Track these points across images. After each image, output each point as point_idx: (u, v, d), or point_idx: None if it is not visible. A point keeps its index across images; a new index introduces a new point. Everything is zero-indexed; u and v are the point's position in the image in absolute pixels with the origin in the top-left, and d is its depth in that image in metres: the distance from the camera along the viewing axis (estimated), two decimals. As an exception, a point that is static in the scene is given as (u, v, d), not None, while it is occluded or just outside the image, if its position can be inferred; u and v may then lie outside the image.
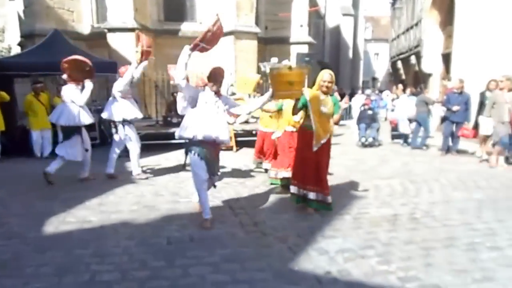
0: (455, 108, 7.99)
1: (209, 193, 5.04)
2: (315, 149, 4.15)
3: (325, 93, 4.27)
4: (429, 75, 15.37)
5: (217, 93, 3.96)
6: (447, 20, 13.80)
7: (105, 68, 9.86)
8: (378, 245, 3.49)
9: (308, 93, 4.13)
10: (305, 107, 4.23)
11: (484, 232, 3.82)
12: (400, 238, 3.65)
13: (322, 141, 4.18)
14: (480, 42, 10.56)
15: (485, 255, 3.29)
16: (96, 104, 10.43)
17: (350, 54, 28.24)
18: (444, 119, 8.45)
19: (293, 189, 4.44)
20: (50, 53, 8.72)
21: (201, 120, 3.80)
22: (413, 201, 4.86)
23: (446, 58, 13.65)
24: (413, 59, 17.74)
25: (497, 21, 10.05)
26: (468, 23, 11.26)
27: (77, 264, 3.13)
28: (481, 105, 7.75)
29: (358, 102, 12.22)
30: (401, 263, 3.15)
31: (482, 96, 7.87)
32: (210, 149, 3.87)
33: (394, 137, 10.43)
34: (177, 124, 8.63)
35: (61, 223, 4.08)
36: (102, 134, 9.95)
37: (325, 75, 4.27)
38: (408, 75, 19.72)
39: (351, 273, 2.99)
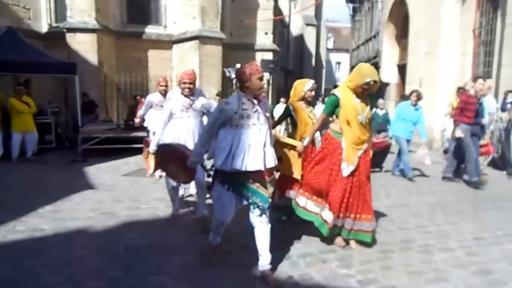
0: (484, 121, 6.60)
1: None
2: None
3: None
4: (387, 84, 16.09)
5: (257, 98, 2.84)
6: (402, 34, 14.54)
7: (63, 69, 9.48)
8: (339, 249, 3.56)
9: (341, 92, 3.39)
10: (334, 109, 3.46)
11: (437, 235, 4.01)
12: (360, 241, 3.74)
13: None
14: (431, 54, 11.23)
15: (438, 257, 3.44)
16: (53, 106, 9.99)
17: (313, 62, 28.94)
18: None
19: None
20: (3, 52, 8.25)
21: (239, 146, 2.75)
22: (372, 206, 5.00)
23: (402, 69, 14.36)
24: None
25: (445, 36, 10.74)
26: (420, 37, 11.95)
27: (26, 276, 2.93)
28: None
29: (319, 110, 12.47)
30: (361, 266, 3.23)
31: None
32: (251, 176, 2.82)
33: None
34: (139, 128, 8.48)
35: (9, 232, 3.82)
36: (58, 137, 9.52)
37: (369, 82, 3.27)
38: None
39: (312, 277, 3.02)
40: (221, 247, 3.56)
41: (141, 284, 2.88)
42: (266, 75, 13.74)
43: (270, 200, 2.88)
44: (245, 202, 2.89)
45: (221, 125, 2.82)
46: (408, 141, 6.78)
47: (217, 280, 2.94)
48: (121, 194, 5.33)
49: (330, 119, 3.60)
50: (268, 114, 2.91)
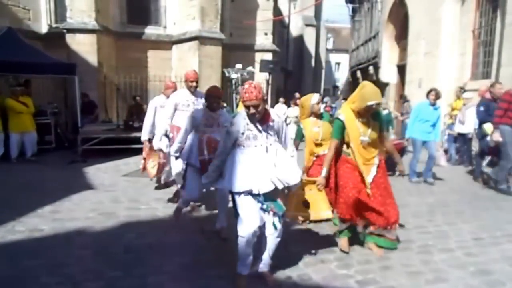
0: None
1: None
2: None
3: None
4: (386, 84, 16.11)
5: (264, 119, 2.70)
6: (402, 34, 14.56)
7: (63, 70, 9.48)
8: (338, 249, 3.56)
9: (344, 114, 3.33)
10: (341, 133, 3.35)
11: (436, 235, 4.01)
12: (359, 242, 3.74)
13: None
14: (430, 55, 11.24)
15: (437, 257, 3.45)
16: (53, 106, 9.99)
17: (313, 63, 28.94)
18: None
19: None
20: (2, 52, 8.25)
21: (247, 167, 2.67)
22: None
23: (401, 69, 14.37)
24: (371, 69, 18.48)
25: (445, 36, 10.76)
26: (419, 37, 11.97)
27: (25, 276, 2.93)
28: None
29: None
30: (360, 266, 3.23)
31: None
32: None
33: None
34: (138, 129, 8.47)
35: (8, 232, 3.82)
36: (58, 137, 9.52)
37: (372, 105, 3.17)
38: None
39: (311, 277, 3.02)
40: (219, 247, 3.57)
41: (140, 284, 2.88)
42: (266, 75, 13.75)
43: (284, 209, 2.80)
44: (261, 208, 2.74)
45: (232, 146, 2.75)
46: (424, 142, 6.44)
47: (216, 281, 2.94)
48: (120, 194, 5.33)
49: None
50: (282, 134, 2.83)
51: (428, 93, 6.47)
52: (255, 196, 2.69)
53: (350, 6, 22.65)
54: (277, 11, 17.93)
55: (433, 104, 6.35)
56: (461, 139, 8.22)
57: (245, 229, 2.63)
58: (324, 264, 3.27)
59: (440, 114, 6.41)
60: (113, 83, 11.30)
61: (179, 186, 4.54)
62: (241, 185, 2.66)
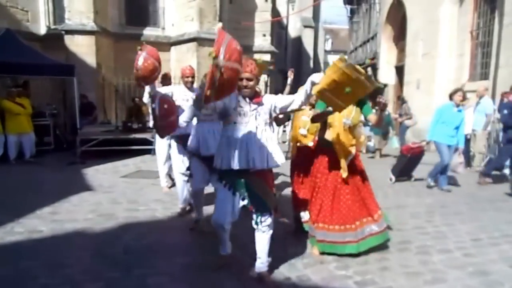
0: None
1: (169, 201, 4.96)
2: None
3: None
4: (385, 85, 16.12)
5: (254, 99, 2.80)
6: (400, 35, 14.60)
7: (62, 71, 9.48)
8: (337, 250, 3.56)
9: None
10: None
11: (434, 236, 4.02)
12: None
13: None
14: (428, 56, 11.28)
15: (436, 258, 3.45)
16: (51, 108, 9.98)
17: (311, 64, 28.96)
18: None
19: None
20: (1, 54, 8.25)
21: (234, 143, 2.74)
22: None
23: (400, 70, 14.41)
24: (369, 71, 18.51)
25: (443, 37, 10.80)
26: (417, 39, 12.01)
27: (23, 278, 2.94)
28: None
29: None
30: (358, 267, 3.23)
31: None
32: (254, 178, 2.81)
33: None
34: (137, 130, 8.49)
35: (7, 233, 3.82)
36: (57, 139, 9.52)
37: None
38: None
39: (310, 278, 3.03)
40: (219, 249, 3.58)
41: (140, 285, 2.88)
42: (264, 77, 13.75)
43: (272, 210, 2.86)
44: (243, 202, 2.84)
45: (224, 122, 2.82)
46: (449, 146, 5.97)
47: (215, 282, 2.94)
48: (119, 195, 5.33)
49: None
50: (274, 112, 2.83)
51: (453, 94, 5.94)
52: (234, 190, 2.81)
53: (348, 7, 22.69)
54: (275, 13, 17.97)
55: (458, 106, 5.87)
56: None
57: (214, 220, 2.86)
58: (322, 265, 3.27)
59: (464, 117, 5.98)
60: (111, 84, 11.29)
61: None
62: (228, 162, 2.74)
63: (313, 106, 4.05)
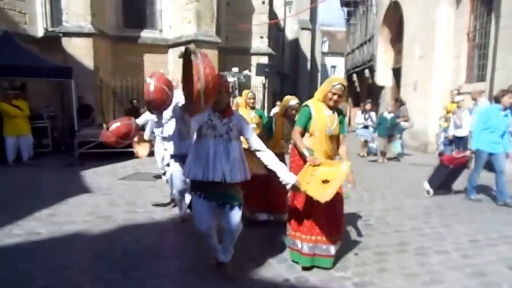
0: None
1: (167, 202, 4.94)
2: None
3: (331, 107, 3.30)
4: (382, 87, 16.19)
5: (225, 113, 2.86)
6: (397, 37, 14.67)
7: (59, 74, 9.47)
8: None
9: (312, 104, 3.28)
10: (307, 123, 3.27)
11: (432, 237, 4.04)
12: (355, 244, 3.76)
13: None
14: (425, 58, 11.33)
15: (433, 259, 3.47)
16: (49, 110, 9.97)
17: (308, 66, 29.04)
18: None
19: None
20: (-1, 56, 8.26)
21: (205, 156, 2.77)
22: (368, 208, 5.05)
23: (397, 72, 14.47)
24: (367, 73, 18.60)
25: (439, 39, 10.85)
26: (414, 40, 12.07)
27: (22, 280, 2.93)
28: None
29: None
30: (357, 268, 3.25)
31: None
32: (226, 187, 2.83)
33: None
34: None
35: (6, 235, 3.81)
36: (55, 141, 9.50)
37: (336, 85, 3.19)
38: (362, 87, 20.63)
39: (308, 280, 3.04)
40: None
41: (138, 287, 2.88)
42: (262, 79, 13.78)
43: (241, 201, 2.91)
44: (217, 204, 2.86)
45: (197, 136, 2.84)
46: (491, 154, 5.37)
47: (213, 284, 2.95)
48: (117, 198, 5.33)
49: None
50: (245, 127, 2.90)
51: (501, 95, 5.29)
52: (209, 198, 2.83)
53: (345, 9, 22.83)
54: (272, 15, 18.00)
55: (505, 109, 5.27)
56: (457, 142, 8.27)
57: (196, 228, 2.91)
58: (321, 266, 3.28)
59: (510, 121, 5.36)
60: (109, 86, 11.28)
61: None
62: (197, 173, 2.76)
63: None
